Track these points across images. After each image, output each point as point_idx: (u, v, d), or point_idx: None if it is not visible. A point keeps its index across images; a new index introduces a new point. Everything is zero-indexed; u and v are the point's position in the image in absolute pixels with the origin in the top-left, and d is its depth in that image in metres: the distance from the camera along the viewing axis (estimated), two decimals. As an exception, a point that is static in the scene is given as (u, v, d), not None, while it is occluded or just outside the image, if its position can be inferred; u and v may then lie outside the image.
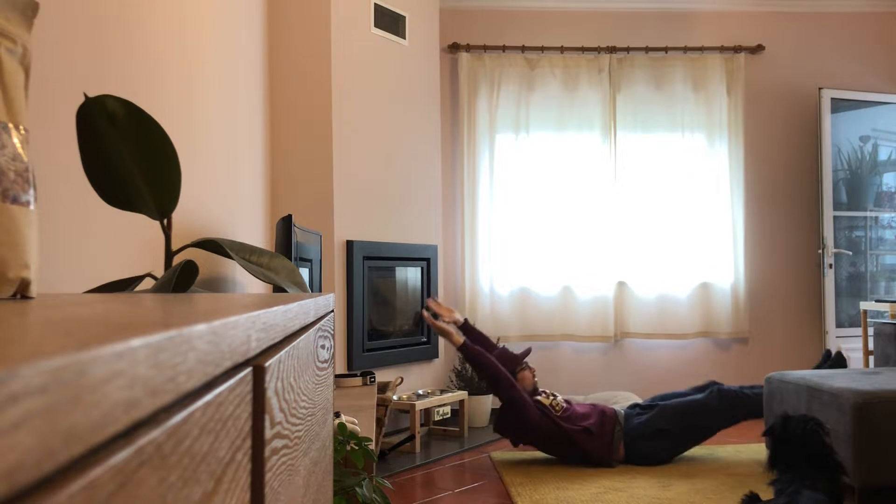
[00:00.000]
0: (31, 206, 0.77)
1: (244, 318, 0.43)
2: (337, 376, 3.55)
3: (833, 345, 5.25)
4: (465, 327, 4.06)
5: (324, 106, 4.06)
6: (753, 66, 5.48)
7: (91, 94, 1.73)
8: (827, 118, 5.26)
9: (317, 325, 0.85)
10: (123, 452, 0.25)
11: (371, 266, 4.34)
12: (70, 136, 1.91)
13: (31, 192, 0.77)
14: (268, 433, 0.51)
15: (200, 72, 2.84)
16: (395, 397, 4.21)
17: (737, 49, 5.38)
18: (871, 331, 4.83)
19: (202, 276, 2.74)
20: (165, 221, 1.79)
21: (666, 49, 5.35)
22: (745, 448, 4.14)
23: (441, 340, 4.93)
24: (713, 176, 5.35)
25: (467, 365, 4.91)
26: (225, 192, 3.11)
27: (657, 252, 5.31)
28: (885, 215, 5.57)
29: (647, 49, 5.34)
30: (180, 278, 1.68)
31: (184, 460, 0.32)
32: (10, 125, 0.74)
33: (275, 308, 0.54)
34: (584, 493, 3.31)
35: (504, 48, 5.29)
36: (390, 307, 4.59)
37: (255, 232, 3.65)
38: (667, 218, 5.32)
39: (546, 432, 3.78)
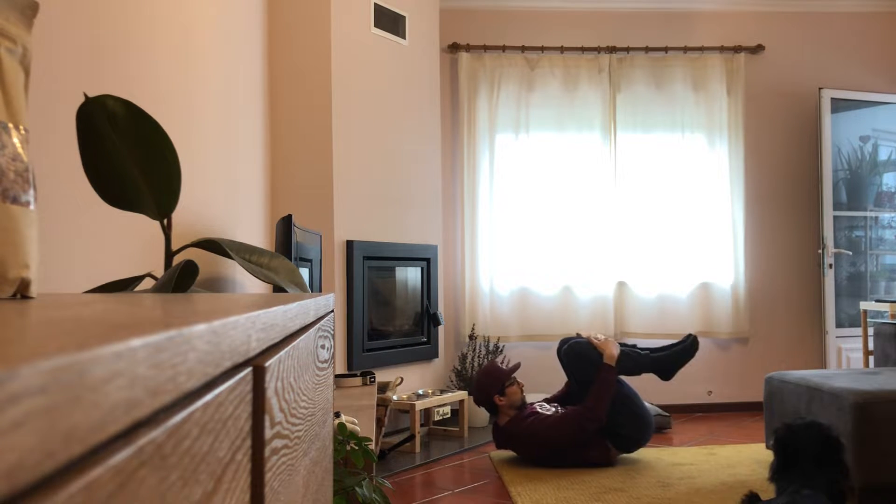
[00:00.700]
0: (31, 206, 0.77)
1: (244, 318, 0.43)
2: (337, 376, 3.55)
3: (833, 345, 5.25)
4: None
5: (324, 106, 4.06)
6: (753, 66, 5.48)
7: (91, 94, 1.73)
8: (827, 118, 5.26)
9: (317, 325, 0.85)
10: (123, 452, 0.25)
11: (371, 266, 4.34)
12: (70, 136, 1.91)
13: (31, 192, 0.77)
14: (268, 433, 0.51)
15: (200, 72, 2.84)
16: (395, 397, 4.20)
17: (737, 49, 5.38)
18: (871, 331, 4.83)
19: (202, 276, 2.74)
20: (165, 221, 1.79)
21: (666, 49, 5.35)
22: (745, 448, 4.14)
23: (441, 341, 4.93)
24: (713, 176, 5.35)
25: (467, 365, 4.92)
26: (225, 192, 3.11)
27: (657, 252, 5.31)
28: (885, 215, 5.57)
29: (647, 49, 5.34)
30: (180, 278, 1.68)
31: (184, 460, 0.32)
32: (10, 125, 0.74)
33: (275, 308, 0.54)
34: (584, 493, 3.31)
35: (504, 48, 5.29)
36: (390, 307, 4.59)
37: (255, 232, 3.65)
38: (667, 218, 5.32)
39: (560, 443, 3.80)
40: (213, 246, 1.81)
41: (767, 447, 3.76)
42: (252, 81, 3.66)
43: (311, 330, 0.79)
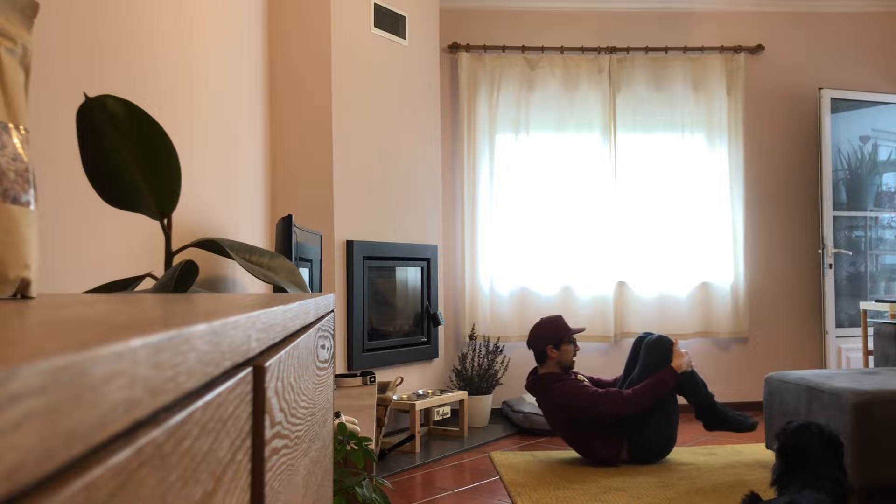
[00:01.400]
0: (31, 206, 0.77)
1: (244, 318, 0.43)
2: (337, 376, 3.55)
3: (833, 345, 5.25)
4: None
5: (324, 106, 4.06)
6: (753, 66, 5.48)
7: (91, 94, 1.73)
8: (827, 118, 5.26)
9: (317, 325, 0.85)
10: (123, 452, 0.25)
11: (371, 266, 4.34)
12: (70, 136, 1.91)
13: (31, 192, 0.77)
14: (268, 433, 0.51)
15: (200, 72, 2.84)
16: (395, 397, 4.21)
17: (737, 49, 5.38)
18: (870, 331, 4.83)
19: (202, 276, 2.74)
20: (165, 221, 1.79)
21: (666, 49, 5.35)
22: (745, 448, 4.14)
23: (441, 341, 4.93)
24: (713, 176, 5.35)
25: (467, 365, 4.92)
26: (225, 192, 3.11)
27: (657, 252, 5.31)
28: (885, 215, 5.57)
29: (647, 49, 5.34)
30: (180, 278, 1.68)
31: (184, 460, 0.32)
32: (10, 125, 0.74)
33: (275, 308, 0.54)
34: (584, 493, 3.31)
35: (504, 48, 5.29)
36: (390, 307, 4.59)
37: (255, 232, 3.65)
38: (667, 218, 5.32)
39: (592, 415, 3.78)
40: (213, 246, 1.81)
41: (768, 447, 3.76)
42: (252, 81, 3.66)
43: (311, 330, 0.79)
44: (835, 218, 5.34)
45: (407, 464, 3.86)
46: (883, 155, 5.56)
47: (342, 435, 2.59)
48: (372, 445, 2.71)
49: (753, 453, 4.01)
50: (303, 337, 0.71)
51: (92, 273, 2.04)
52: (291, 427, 0.63)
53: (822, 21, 5.52)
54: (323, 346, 0.93)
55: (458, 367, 5.04)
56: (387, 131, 4.46)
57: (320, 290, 3.70)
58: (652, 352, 3.90)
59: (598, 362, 5.34)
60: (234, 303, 0.60)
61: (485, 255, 5.23)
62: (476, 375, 4.83)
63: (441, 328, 4.96)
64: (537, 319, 5.25)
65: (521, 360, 5.28)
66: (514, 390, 5.26)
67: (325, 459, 0.98)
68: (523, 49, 5.30)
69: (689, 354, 3.89)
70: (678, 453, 4.03)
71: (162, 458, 0.29)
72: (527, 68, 5.33)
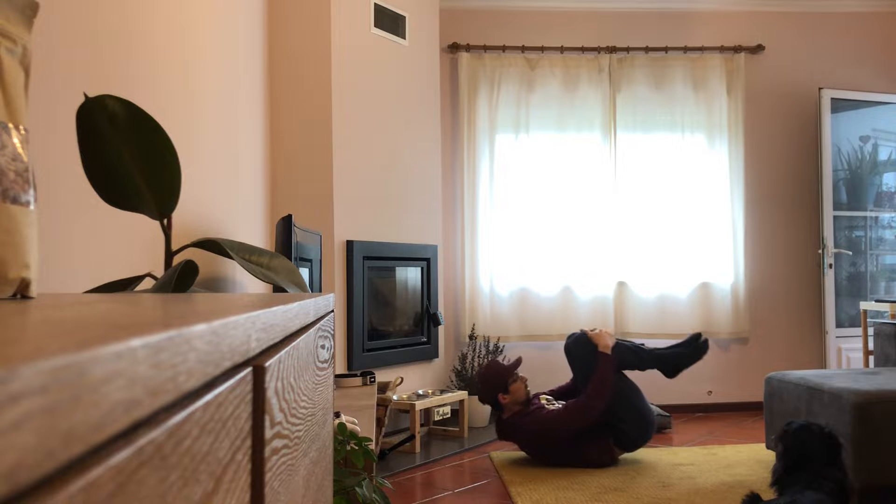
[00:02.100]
0: (31, 206, 0.77)
1: (244, 318, 0.43)
2: (337, 376, 3.55)
3: (833, 345, 5.25)
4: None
5: (324, 106, 4.06)
6: (753, 66, 5.48)
7: (91, 94, 1.73)
8: (827, 118, 5.26)
9: (317, 325, 0.85)
10: (123, 452, 0.25)
11: (371, 266, 4.34)
12: (70, 136, 1.91)
13: (31, 192, 0.77)
14: (268, 433, 0.51)
15: (200, 72, 2.84)
16: (395, 397, 4.20)
17: (737, 49, 5.38)
18: (871, 331, 4.83)
19: (202, 276, 2.74)
20: (165, 221, 1.79)
21: (666, 49, 5.35)
22: (745, 448, 4.14)
23: (441, 340, 4.93)
24: (713, 176, 5.35)
25: (467, 365, 4.92)
26: (225, 192, 3.11)
27: (657, 252, 5.31)
28: (885, 215, 5.57)
29: (647, 49, 5.34)
30: (180, 278, 1.68)
31: (184, 460, 0.32)
32: (10, 125, 0.74)
33: (275, 308, 0.54)
34: (584, 493, 3.31)
35: (504, 48, 5.29)
36: (390, 307, 4.59)
37: (255, 232, 3.65)
38: (667, 218, 5.32)
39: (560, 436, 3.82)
40: (213, 246, 1.81)
41: (768, 447, 3.76)
42: (252, 81, 3.66)
43: (311, 330, 0.79)
44: (835, 218, 5.34)
45: (407, 464, 3.86)
46: (883, 155, 5.56)
47: (342, 435, 2.59)
48: (372, 445, 2.71)
49: (753, 453, 4.01)
50: (303, 337, 0.71)
51: (92, 273, 2.04)
52: (291, 427, 0.63)
53: (822, 21, 5.52)
54: (323, 346, 0.93)
55: (458, 367, 5.04)
56: (387, 131, 4.45)
57: (320, 290, 3.70)
58: (575, 352, 3.96)
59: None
60: (234, 303, 0.60)
61: (485, 255, 5.23)
62: (476, 375, 4.82)
63: (441, 328, 4.96)
64: (538, 319, 5.25)
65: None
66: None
67: (325, 459, 0.98)
68: (523, 49, 5.30)
69: (603, 330, 3.94)
70: (678, 453, 4.03)
71: (162, 458, 0.29)
72: (527, 68, 5.32)
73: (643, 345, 4.05)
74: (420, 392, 4.47)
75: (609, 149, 5.30)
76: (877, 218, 5.55)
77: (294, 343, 0.64)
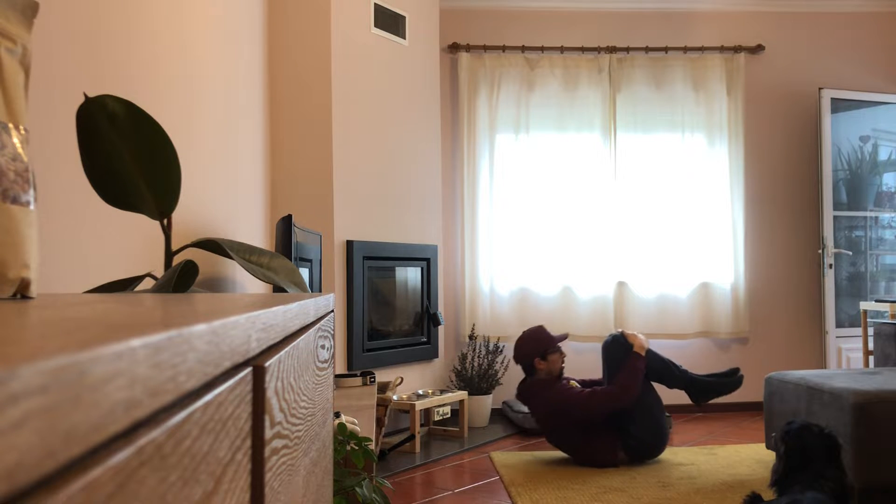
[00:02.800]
0: (31, 206, 0.77)
1: (244, 318, 0.43)
2: (337, 376, 3.55)
3: (833, 345, 5.25)
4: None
5: (324, 106, 4.06)
6: (753, 66, 5.48)
7: (91, 94, 1.73)
8: (827, 118, 5.26)
9: (317, 325, 0.85)
10: (123, 452, 0.25)
11: (371, 266, 4.34)
12: (70, 136, 1.91)
13: (31, 192, 0.77)
14: (268, 433, 0.51)
15: (200, 72, 2.84)
16: (395, 397, 4.20)
17: (737, 49, 5.38)
18: (871, 331, 4.83)
19: (202, 276, 2.74)
20: (165, 221, 1.79)
21: (666, 49, 5.35)
22: (745, 448, 4.14)
23: (441, 340, 4.93)
24: (713, 176, 5.35)
25: (467, 365, 4.92)
26: (225, 192, 3.11)
27: (657, 252, 5.31)
28: (885, 215, 5.57)
29: (647, 49, 5.34)
30: (180, 278, 1.68)
31: (184, 460, 0.32)
32: (10, 125, 0.74)
33: (275, 308, 0.54)
34: (584, 493, 3.31)
35: (504, 48, 5.29)
36: (390, 307, 4.59)
37: (255, 232, 3.65)
38: (667, 218, 5.32)
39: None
40: (213, 246, 1.81)
41: (768, 447, 3.76)
42: (252, 81, 3.66)
43: (311, 330, 0.79)
44: (835, 218, 5.34)
45: (407, 464, 3.86)
46: (883, 155, 5.56)
47: (342, 435, 2.59)
48: (372, 445, 2.71)
49: (753, 453, 4.01)
50: (303, 337, 0.71)
51: (92, 273, 2.04)
52: (291, 427, 0.63)
53: (822, 21, 5.52)
54: (323, 346, 0.93)
55: (458, 367, 5.04)
56: (387, 131, 4.45)
57: (320, 290, 3.70)
58: (611, 350, 3.95)
59: (597, 362, 5.33)
60: (234, 303, 0.60)
61: (485, 255, 5.23)
62: (476, 375, 4.83)
63: (441, 328, 4.96)
64: (538, 319, 5.25)
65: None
66: (514, 390, 5.26)
67: (325, 459, 0.98)
68: (523, 49, 5.30)
69: (640, 333, 3.95)
70: (678, 453, 4.03)
71: (162, 458, 0.29)
72: (527, 68, 5.32)
73: (680, 366, 4.01)
74: (420, 392, 4.47)
75: (609, 149, 5.30)
76: (877, 218, 5.55)
77: (294, 343, 0.64)
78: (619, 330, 4.04)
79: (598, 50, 5.34)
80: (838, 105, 5.37)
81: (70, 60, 1.98)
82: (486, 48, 5.29)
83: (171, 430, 0.30)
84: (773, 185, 5.49)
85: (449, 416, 4.53)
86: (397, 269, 4.61)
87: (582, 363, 5.30)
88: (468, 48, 5.29)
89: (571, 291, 5.27)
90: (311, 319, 0.77)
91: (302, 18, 4.10)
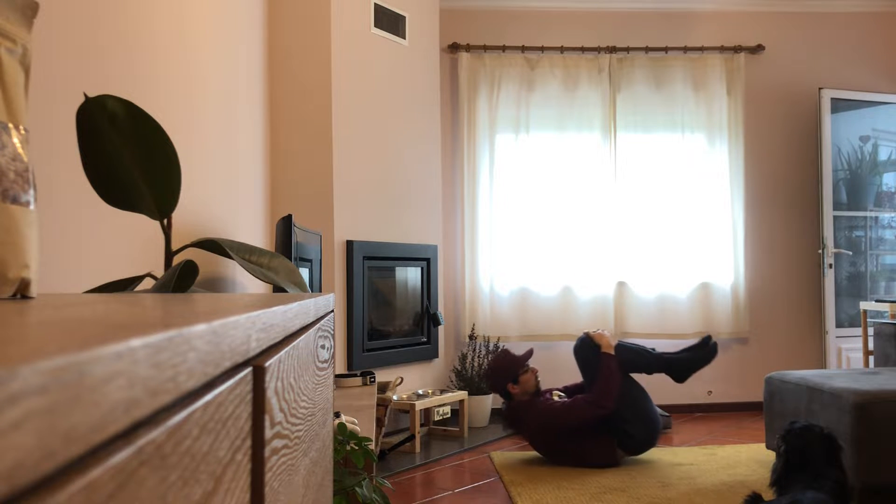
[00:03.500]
0: (31, 206, 0.77)
1: (244, 318, 0.43)
2: (337, 376, 3.55)
3: (833, 345, 5.25)
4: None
5: (324, 106, 4.06)
6: (753, 66, 5.48)
7: (91, 94, 1.73)
8: (827, 118, 5.26)
9: (317, 325, 0.85)
10: (123, 452, 0.25)
11: (371, 266, 4.34)
12: (70, 136, 1.91)
13: (31, 192, 0.77)
14: (268, 433, 0.51)
15: (200, 72, 2.84)
16: (395, 397, 4.20)
17: (737, 49, 5.38)
18: (871, 331, 4.83)
19: (202, 276, 2.74)
20: (165, 221, 1.79)
21: (666, 49, 5.35)
22: (745, 448, 4.14)
23: (441, 341, 4.93)
24: (713, 176, 5.35)
25: (467, 365, 4.92)
26: (225, 192, 3.11)
27: (657, 252, 5.31)
28: (885, 215, 5.57)
29: (647, 49, 5.34)
30: (180, 278, 1.68)
31: (184, 460, 0.32)
32: (10, 125, 0.74)
33: (275, 308, 0.54)
34: (584, 493, 3.31)
35: (504, 48, 5.29)
36: (390, 307, 4.59)
37: (255, 232, 3.65)
38: (667, 218, 5.32)
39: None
40: (213, 246, 1.81)
41: (768, 447, 3.76)
42: (252, 81, 3.66)
43: (311, 330, 0.79)
44: (835, 218, 5.34)
45: (407, 464, 3.86)
46: (883, 155, 5.56)
47: (342, 435, 2.59)
48: (372, 445, 2.71)
49: (753, 453, 4.01)
50: (303, 337, 0.71)
51: (92, 273, 2.04)
52: (291, 427, 0.63)
53: (822, 21, 5.52)
54: (323, 346, 0.93)
55: (458, 367, 5.04)
56: (387, 131, 4.45)
57: (320, 290, 3.70)
58: (580, 353, 3.96)
59: (598, 362, 5.34)
60: (234, 303, 0.60)
61: (485, 255, 5.23)
62: (476, 375, 4.83)
63: (441, 328, 4.96)
64: (538, 319, 5.25)
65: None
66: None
67: (325, 459, 0.98)
68: (523, 49, 5.30)
69: (605, 330, 3.96)
70: (678, 453, 4.03)
71: (162, 458, 0.29)
72: (527, 68, 5.32)
73: (652, 349, 4.03)
74: (420, 392, 4.47)
75: (609, 149, 5.30)
76: (877, 218, 5.55)
77: (294, 343, 0.64)
78: (584, 332, 4.05)
79: (598, 50, 5.34)
80: (838, 105, 5.37)
81: (70, 60, 1.98)
82: (486, 48, 5.29)
83: (171, 430, 0.30)
84: (773, 185, 5.49)
85: (449, 416, 4.53)
86: (397, 269, 4.61)
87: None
88: (468, 48, 5.29)
89: (571, 291, 5.27)
90: (311, 319, 0.77)
91: (302, 18, 4.10)
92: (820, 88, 5.27)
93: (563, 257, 5.27)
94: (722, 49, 5.38)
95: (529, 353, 4.04)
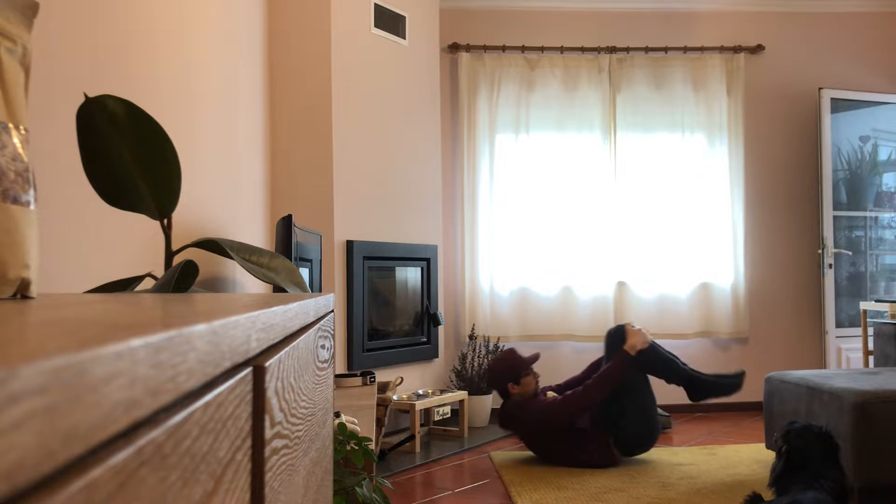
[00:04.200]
0: (31, 206, 0.77)
1: (244, 318, 0.43)
2: (337, 376, 3.55)
3: (833, 345, 5.25)
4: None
5: (324, 106, 4.06)
6: (753, 66, 5.48)
7: (91, 94, 1.73)
8: (827, 118, 5.26)
9: (317, 325, 0.85)
10: (123, 452, 0.25)
11: (371, 266, 4.34)
12: (70, 136, 1.91)
13: (31, 192, 0.77)
14: (268, 433, 0.51)
15: (200, 72, 2.84)
16: (395, 397, 4.20)
17: (737, 49, 5.38)
18: (870, 331, 4.83)
19: (202, 276, 2.74)
20: (165, 221, 1.79)
21: (666, 49, 5.35)
22: (745, 448, 4.14)
23: (441, 341, 4.93)
24: (713, 176, 5.35)
25: (467, 365, 4.92)
26: (225, 192, 3.11)
27: (657, 252, 5.31)
28: (885, 215, 5.57)
29: (647, 49, 5.34)
30: (180, 278, 1.68)
31: (184, 460, 0.32)
32: (10, 125, 0.74)
33: (275, 308, 0.54)
34: (583, 493, 3.31)
35: (504, 48, 5.29)
36: (390, 307, 4.59)
37: (255, 232, 3.65)
38: (667, 218, 5.32)
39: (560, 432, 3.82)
40: (213, 246, 1.81)
41: (768, 447, 3.76)
42: (252, 81, 3.66)
43: (311, 330, 0.79)
44: (835, 218, 5.34)
45: (407, 464, 3.86)
46: (883, 155, 5.56)
47: (342, 435, 2.59)
48: (372, 445, 2.71)
49: (753, 453, 4.01)
50: (303, 337, 0.71)
51: (92, 273, 2.04)
52: (291, 427, 0.63)
53: (822, 21, 5.52)
54: (323, 346, 0.93)
55: (458, 367, 5.04)
56: (387, 131, 4.46)
57: (320, 290, 3.70)
58: (610, 342, 3.96)
59: (598, 362, 5.34)
60: (234, 303, 0.60)
61: (485, 255, 5.23)
62: (476, 375, 4.83)
63: (441, 328, 4.96)
64: (538, 319, 5.25)
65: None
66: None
67: (325, 459, 0.98)
68: (523, 49, 5.30)
69: (645, 331, 3.87)
70: (678, 453, 4.03)
71: (162, 458, 0.29)
72: (527, 68, 5.32)
73: (683, 364, 3.96)
74: (420, 392, 4.47)
75: (609, 149, 5.30)
76: (877, 218, 5.55)
77: (294, 343, 0.64)
78: (625, 323, 4.04)
79: (598, 50, 5.34)
80: (838, 105, 5.37)
81: (70, 60, 1.98)
82: (486, 48, 5.29)
83: (171, 430, 0.30)
84: (773, 185, 5.49)
85: (449, 416, 4.53)
86: (397, 269, 4.61)
87: (582, 363, 5.30)
88: (468, 48, 5.29)
89: (571, 291, 5.27)
90: (311, 319, 0.77)
91: (302, 18, 4.10)
92: (820, 88, 5.27)
93: (563, 257, 5.27)
94: (722, 49, 5.38)
95: (536, 357, 4.04)
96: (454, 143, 5.34)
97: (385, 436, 4.30)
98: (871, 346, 4.77)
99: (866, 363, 4.80)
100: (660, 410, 4.75)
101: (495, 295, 5.25)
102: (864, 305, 4.89)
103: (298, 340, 0.67)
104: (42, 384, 0.19)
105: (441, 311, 4.94)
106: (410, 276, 4.72)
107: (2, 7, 0.75)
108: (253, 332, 0.45)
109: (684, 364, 3.97)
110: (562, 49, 5.32)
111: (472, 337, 5.15)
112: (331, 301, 1.01)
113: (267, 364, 0.50)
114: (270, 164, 4.07)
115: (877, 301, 4.76)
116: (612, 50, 5.33)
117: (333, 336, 1.11)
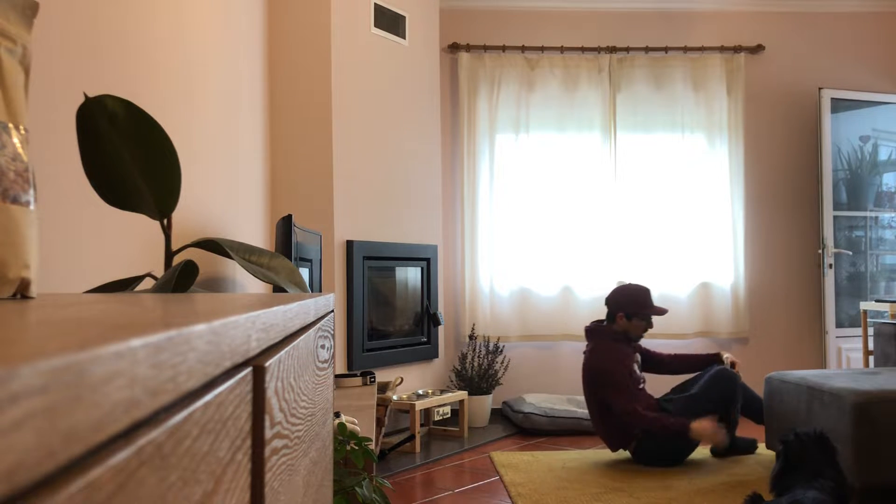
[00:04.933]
0: (31, 206, 0.77)
1: (244, 318, 0.43)
2: (337, 376, 3.55)
3: (833, 345, 5.25)
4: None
5: (324, 106, 4.06)
6: (753, 66, 5.48)
7: (91, 94, 1.73)
8: (827, 118, 5.26)
9: (317, 325, 0.85)
10: (123, 452, 0.25)
11: (371, 266, 4.34)
12: (70, 136, 1.91)
13: (31, 192, 0.77)
14: (268, 433, 0.51)
15: (200, 71, 2.84)
16: (395, 397, 4.20)
17: (737, 49, 5.38)
18: (871, 331, 4.83)
19: (202, 276, 2.74)
20: (165, 221, 1.79)
21: (666, 49, 5.35)
22: (745, 448, 4.13)
23: (441, 341, 4.93)
24: (713, 176, 5.35)
25: (467, 365, 4.91)
26: (225, 192, 3.11)
27: (657, 252, 5.31)
28: (885, 215, 5.57)
29: (647, 49, 5.34)
30: (180, 278, 1.68)
31: (184, 460, 0.32)
32: (10, 125, 0.74)
33: (275, 308, 0.54)
34: (584, 493, 3.31)
35: (504, 48, 5.29)
36: (390, 307, 4.59)
37: (255, 232, 3.65)
38: (667, 218, 5.32)
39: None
40: (213, 246, 1.81)
41: (768, 447, 3.76)
42: (252, 81, 3.66)
43: (311, 330, 0.79)
44: (835, 218, 5.34)
45: (407, 464, 3.86)
46: (883, 155, 5.56)
47: (342, 435, 2.59)
48: (372, 445, 2.71)
49: (753, 453, 4.01)
50: (303, 337, 0.71)
51: (92, 273, 2.04)
52: (291, 427, 0.63)
53: (822, 21, 5.52)
54: (323, 346, 0.93)
55: (458, 367, 5.04)
56: (387, 131, 4.46)
57: (320, 290, 3.70)
58: (718, 385, 3.80)
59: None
60: (234, 303, 0.60)
61: (485, 255, 5.23)
62: (476, 375, 4.83)
63: (441, 328, 4.96)
64: (538, 319, 5.25)
65: (521, 360, 5.29)
66: (514, 390, 5.27)
67: (325, 459, 0.98)
68: (523, 49, 5.30)
69: (724, 434, 3.67)
70: (678, 453, 4.03)
71: (162, 458, 0.29)
72: (527, 68, 5.32)
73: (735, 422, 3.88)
74: (420, 392, 4.47)
75: (609, 149, 5.30)
76: (877, 218, 5.55)
77: (294, 343, 0.64)
78: (732, 362, 3.98)
79: (598, 50, 5.34)
80: (838, 105, 5.37)
81: (70, 60, 1.98)
82: (486, 48, 5.29)
83: (171, 430, 0.30)
84: (773, 185, 5.49)
85: (449, 416, 4.53)
86: (397, 269, 4.61)
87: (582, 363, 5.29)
88: (468, 48, 5.29)
89: (571, 291, 5.27)
90: (311, 319, 0.77)
91: (302, 18, 4.10)
92: (820, 88, 5.27)
93: (563, 257, 5.27)
94: (722, 49, 5.38)
95: (664, 311, 4.01)
96: (454, 143, 5.34)
97: (385, 436, 4.30)
98: (871, 346, 4.76)
99: (866, 363, 4.80)
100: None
101: (495, 295, 5.25)
102: (864, 305, 4.89)
103: (298, 340, 0.67)
104: (42, 384, 0.19)
105: (441, 311, 4.94)
106: (410, 276, 4.72)
107: (2, 7, 0.75)
108: (253, 332, 0.45)
109: (736, 412, 3.86)
110: (562, 49, 5.32)
111: (472, 337, 5.15)
112: (331, 301, 1.01)
113: (267, 364, 0.50)
114: (270, 164, 4.07)
115: (877, 301, 4.76)
116: (612, 50, 5.33)
117: (333, 336, 1.11)
